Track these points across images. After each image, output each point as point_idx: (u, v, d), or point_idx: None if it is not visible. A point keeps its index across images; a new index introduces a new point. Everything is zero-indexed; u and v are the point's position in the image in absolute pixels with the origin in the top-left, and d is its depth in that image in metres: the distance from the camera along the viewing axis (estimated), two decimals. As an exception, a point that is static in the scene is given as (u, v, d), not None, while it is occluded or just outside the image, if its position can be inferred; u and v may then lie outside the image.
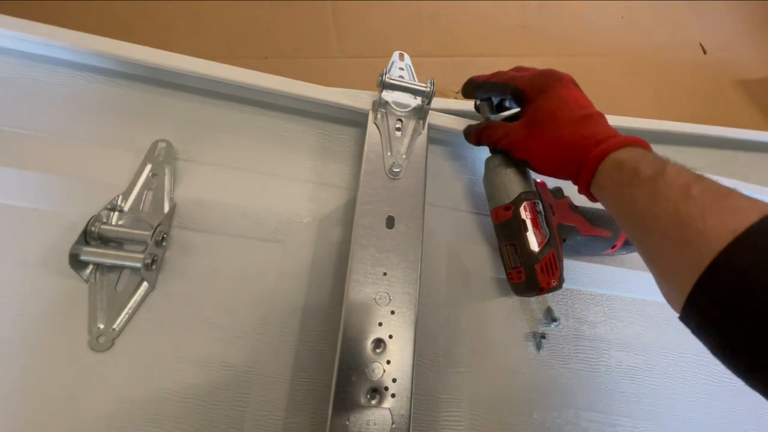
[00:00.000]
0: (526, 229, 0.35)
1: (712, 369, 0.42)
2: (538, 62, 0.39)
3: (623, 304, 0.43)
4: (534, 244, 0.35)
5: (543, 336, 0.39)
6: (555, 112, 0.34)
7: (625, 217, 0.29)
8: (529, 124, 0.35)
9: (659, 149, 0.59)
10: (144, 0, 0.62)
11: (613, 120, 0.53)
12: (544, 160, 0.34)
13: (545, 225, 0.36)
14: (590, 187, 0.32)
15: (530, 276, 0.35)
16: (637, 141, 0.31)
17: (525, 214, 0.36)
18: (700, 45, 0.99)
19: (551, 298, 0.42)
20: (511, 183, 0.37)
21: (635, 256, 0.45)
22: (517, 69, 0.39)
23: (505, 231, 0.37)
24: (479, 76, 0.39)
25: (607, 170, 0.30)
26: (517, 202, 0.36)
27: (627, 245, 0.41)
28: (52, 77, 0.40)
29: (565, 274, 0.39)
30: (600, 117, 0.34)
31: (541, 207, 0.37)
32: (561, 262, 0.37)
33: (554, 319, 0.40)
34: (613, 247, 0.41)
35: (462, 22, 0.70)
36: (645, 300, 0.44)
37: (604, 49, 0.97)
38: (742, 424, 0.41)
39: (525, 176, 0.37)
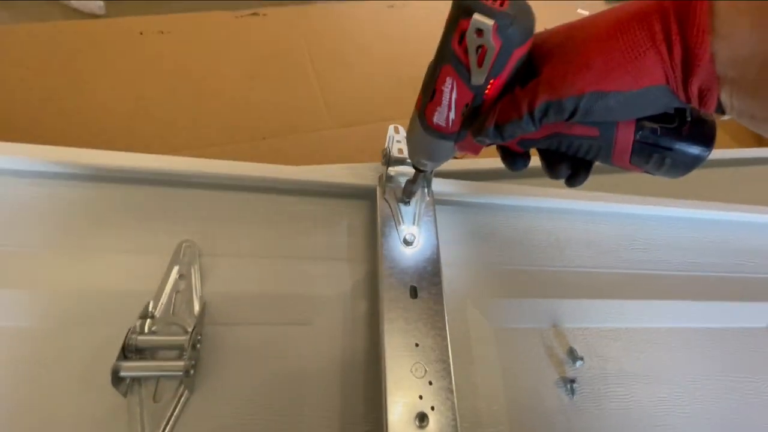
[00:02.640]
0: None
1: (737, 387, 0.44)
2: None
3: (640, 335, 0.45)
4: None
5: (573, 381, 0.40)
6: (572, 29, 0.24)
7: None
8: (556, 54, 0.24)
9: (632, 177, 0.62)
10: (147, 99, 0.65)
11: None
12: (610, 63, 0.22)
13: None
14: (711, 62, 0.21)
15: None
16: None
17: None
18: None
19: (571, 339, 0.43)
20: None
21: (642, 282, 0.47)
22: None
23: None
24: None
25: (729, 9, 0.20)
26: None
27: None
28: (66, 192, 0.41)
29: (576, 313, 0.39)
30: None
31: None
32: None
33: (578, 359, 0.41)
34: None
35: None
36: (659, 328, 0.46)
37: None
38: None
39: None
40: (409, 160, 0.42)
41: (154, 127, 0.62)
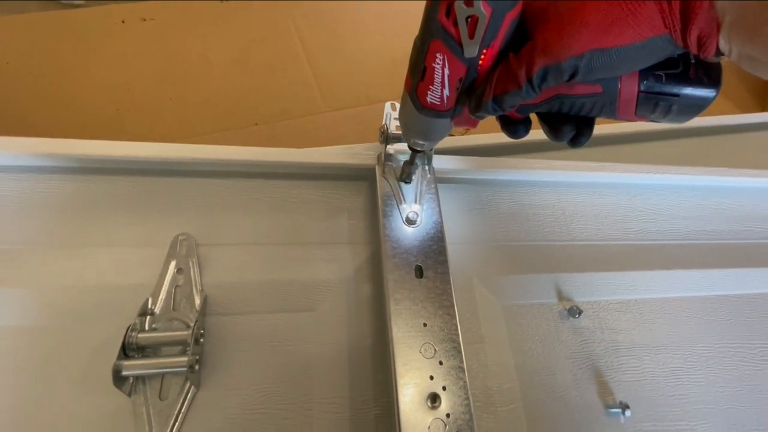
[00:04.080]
0: None
1: (751, 354, 0.43)
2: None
3: (650, 306, 0.44)
4: None
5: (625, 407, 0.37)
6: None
7: None
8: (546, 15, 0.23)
9: (636, 147, 0.61)
10: (133, 90, 0.63)
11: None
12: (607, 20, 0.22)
13: None
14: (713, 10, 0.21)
15: None
16: None
17: None
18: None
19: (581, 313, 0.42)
20: None
21: (651, 253, 0.46)
22: None
23: None
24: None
25: None
26: None
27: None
28: (51, 186, 0.39)
29: (585, 287, 0.40)
30: None
31: None
32: None
33: (578, 312, 0.40)
34: None
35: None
36: (667, 298, 0.45)
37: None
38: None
39: None
40: (407, 138, 0.40)
41: (143, 117, 0.60)
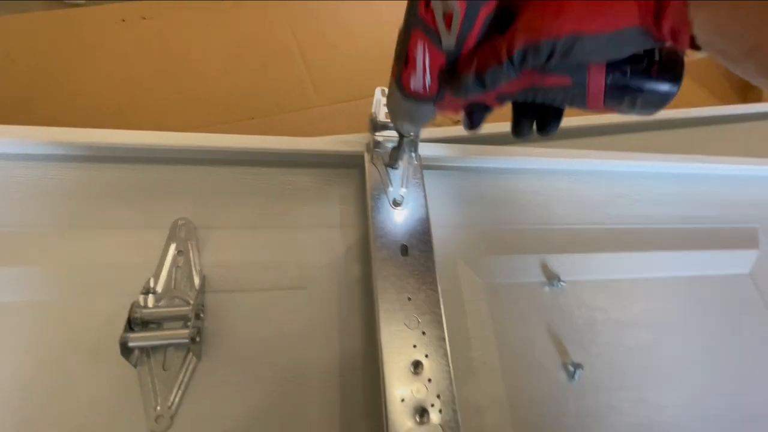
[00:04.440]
0: None
1: (718, 330, 0.46)
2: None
3: (626, 285, 0.47)
4: None
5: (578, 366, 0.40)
6: None
7: None
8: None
9: (622, 138, 0.64)
10: (134, 86, 0.65)
11: (573, 121, 0.59)
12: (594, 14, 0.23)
13: None
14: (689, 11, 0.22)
15: None
16: None
17: None
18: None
19: (559, 292, 0.45)
20: None
21: (628, 236, 0.49)
22: None
23: None
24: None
25: None
26: None
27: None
28: (59, 173, 0.41)
29: (564, 267, 0.42)
30: None
31: None
32: None
33: (552, 279, 0.43)
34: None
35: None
36: (644, 278, 0.48)
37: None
38: (761, 376, 0.44)
39: None
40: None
41: (143, 113, 0.63)
